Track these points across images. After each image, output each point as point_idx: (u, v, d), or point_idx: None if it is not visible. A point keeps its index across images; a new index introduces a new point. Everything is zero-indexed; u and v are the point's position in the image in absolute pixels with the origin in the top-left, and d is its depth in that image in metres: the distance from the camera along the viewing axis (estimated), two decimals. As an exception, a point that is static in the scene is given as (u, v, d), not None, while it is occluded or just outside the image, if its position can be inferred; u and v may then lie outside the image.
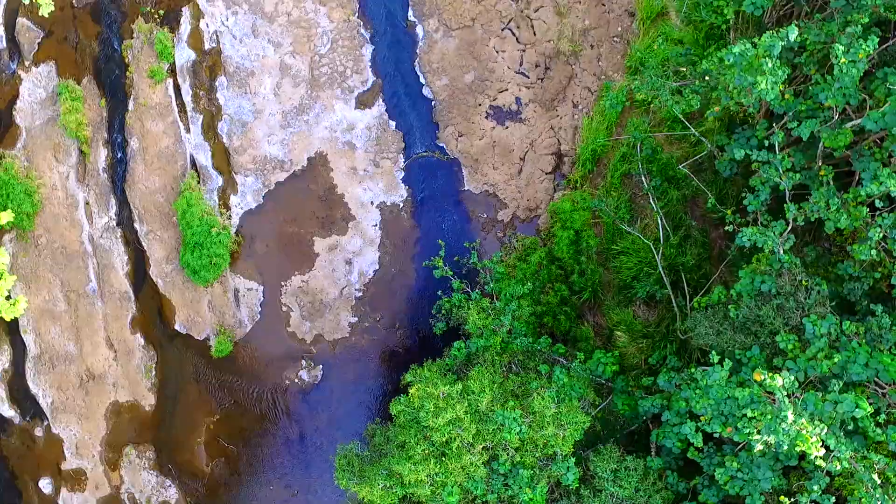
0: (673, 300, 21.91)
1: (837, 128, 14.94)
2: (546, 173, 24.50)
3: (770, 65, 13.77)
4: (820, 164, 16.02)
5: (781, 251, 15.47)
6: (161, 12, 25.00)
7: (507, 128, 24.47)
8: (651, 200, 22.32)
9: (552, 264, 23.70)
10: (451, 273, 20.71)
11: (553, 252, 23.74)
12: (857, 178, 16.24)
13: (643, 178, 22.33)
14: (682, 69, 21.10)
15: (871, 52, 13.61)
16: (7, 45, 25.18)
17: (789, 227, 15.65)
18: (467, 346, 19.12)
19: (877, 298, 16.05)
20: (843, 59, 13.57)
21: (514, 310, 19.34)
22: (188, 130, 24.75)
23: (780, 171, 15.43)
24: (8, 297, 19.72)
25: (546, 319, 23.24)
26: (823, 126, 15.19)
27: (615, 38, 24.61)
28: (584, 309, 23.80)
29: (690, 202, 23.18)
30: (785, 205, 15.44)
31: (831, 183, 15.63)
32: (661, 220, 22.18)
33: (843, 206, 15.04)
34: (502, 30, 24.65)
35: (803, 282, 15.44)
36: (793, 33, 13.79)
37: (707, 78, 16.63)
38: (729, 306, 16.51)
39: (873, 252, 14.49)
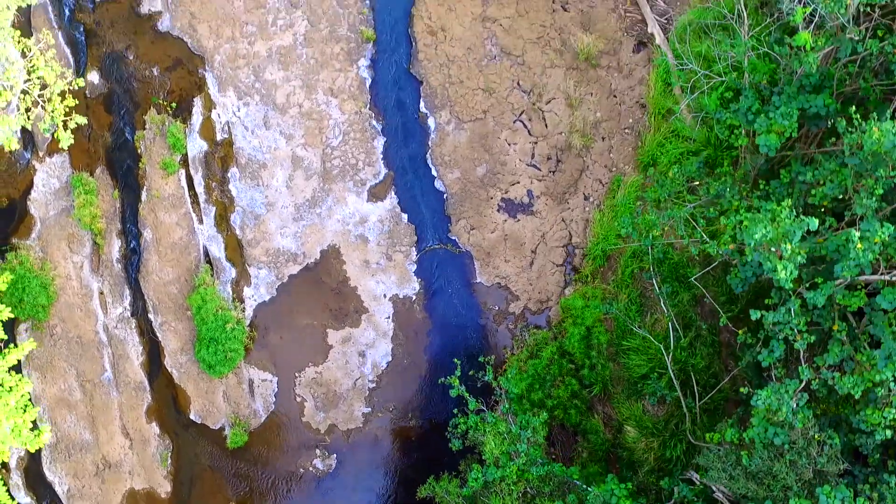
0: (682, 401, 22.23)
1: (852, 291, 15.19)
2: (557, 265, 24.70)
3: (789, 251, 13.97)
4: (835, 316, 16.26)
5: (795, 408, 15.77)
6: (173, 105, 25.00)
7: (518, 221, 24.62)
8: (662, 304, 22.54)
9: (563, 358, 23.99)
10: (468, 394, 20.99)
11: (564, 346, 24.01)
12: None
13: (654, 282, 22.52)
14: (695, 182, 21.31)
15: (886, 237, 13.81)
16: (21, 135, 25.18)
17: (802, 385, 15.94)
18: (484, 473, 19.47)
19: (890, 446, 16.38)
20: (859, 245, 13.77)
21: (530, 436, 19.67)
22: (201, 222, 24.88)
23: (795, 332, 15.68)
24: (33, 428, 19.90)
25: (557, 413, 23.59)
26: (838, 287, 15.42)
27: (626, 130, 24.70)
28: (594, 401, 24.14)
29: (700, 298, 23.42)
30: (799, 367, 15.71)
31: (845, 342, 15.88)
32: (672, 324, 22.42)
33: (857, 367, 15.31)
34: (514, 122, 24.72)
35: (815, 437, 15.75)
36: (814, 224, 13.97)
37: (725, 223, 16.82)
38: (742, 452, 16.83)
39: (888, 426, 14.80)
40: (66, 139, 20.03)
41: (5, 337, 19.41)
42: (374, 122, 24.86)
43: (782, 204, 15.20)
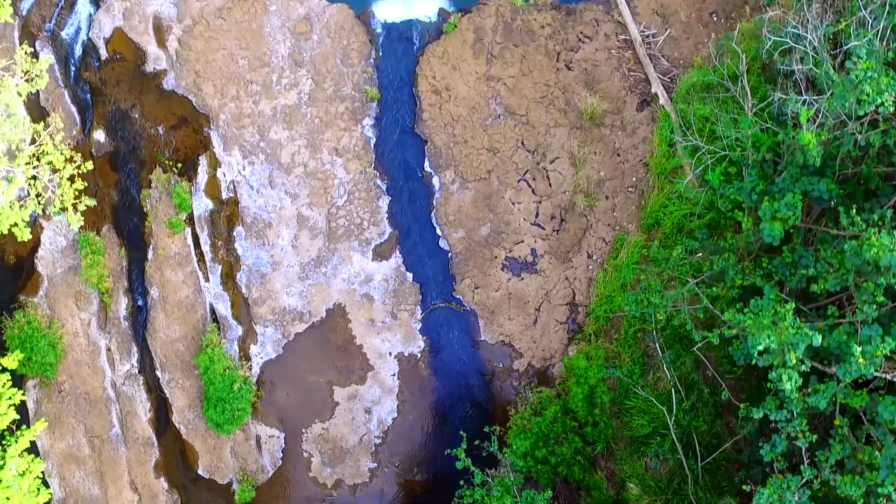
0: (684, 462, 22.55)
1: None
2: (561, 323, 24.94)
3: (793, 360, 14.21)
4: (836, 410, 16.53)
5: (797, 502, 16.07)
6: (179, 165, 25.11)
7: (522, 279, 24.83)
8: (665, 369, 22.80)
9: (566, 416, 24.29)
10: (474, 467, 21.30)
11: (568, 404, 24.30)
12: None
13: (657, 346, 22.76)
14: (698, 253, 21.49)
15: (888, 352, 14.05)
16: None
17: (804, 481, 16.23)
18: (491, 551, 19.82)
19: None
20: (860, 360, 14.02)
21: (535, 511, 19.99)
22: (207, 280, 25.07)
23: (798, 431, 15.95)
24: (40, 488, 20.24)
25: (560, 469, 23.93)
26: (840, 388, 15.68)
27: (630, 189, 24.86)
28: (597, 458, 24.45)
29: (703, 360, 23.66)
30: (801, 466, 16.00)
31: (847, 438, 16.16)
32: (675, 386, 22.68)
33: (858, 467, 15.60)
34: (518, 181, 24.87)
35: (818, 530, 16.08)
36: (817, 339, 14.20)
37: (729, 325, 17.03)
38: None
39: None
40: (76, 221, 20.20)
41: (18, 417, 19.66)
42: (378, 182, 24.99)
43: (786, 307, 15.41)
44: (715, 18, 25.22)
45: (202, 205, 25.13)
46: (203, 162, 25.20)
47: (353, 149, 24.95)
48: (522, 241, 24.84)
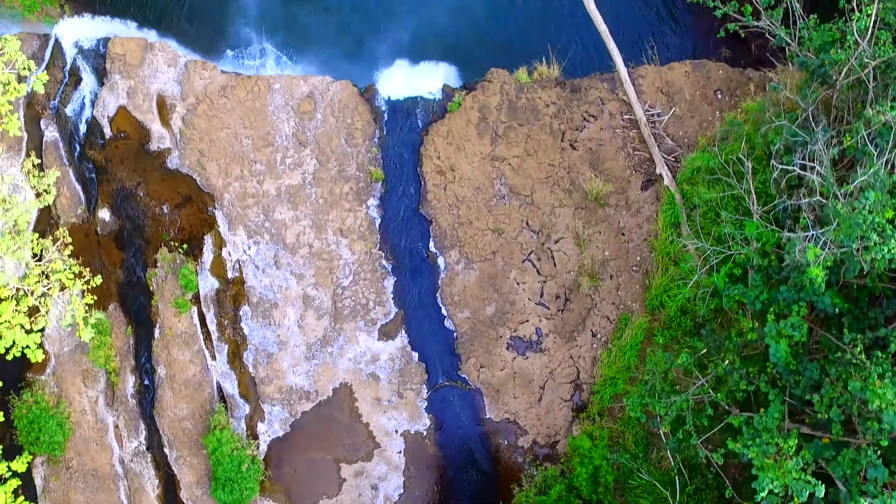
0: (688, 545, 22.88)
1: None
2: (565, 401, 25.14)
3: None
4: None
5: None
6: (185, 246, 25.16)
7: (527, 358, 25.00)
8: (669, 455, 23.03)
9: (571, 493, 24.57)
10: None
11: (572, 482, 24.57)
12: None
13: (661, 432, 22.95)
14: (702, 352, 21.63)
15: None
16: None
17: None
18: None
19: None
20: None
21: None
22: (214, 359, 25.22)
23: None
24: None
25: (565, 546, 24.30)
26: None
27: (634, 268, 24.95)
28: (601, 534, 24.76)
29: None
30: None
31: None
32: (679, 472, 22.92)
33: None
34: (523, 262, 24.96)
35: None
36: (820, 490, 14.41)
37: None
38: None
39: None
40: (87, 334, 20.29)
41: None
42: (384, 262, 25.08)
43: (789, 442, 15.57)
44: (719, 96, 25.19)
45: (208, 284, 25.22)
46: (208, 241, 25.25)
47: (358, 229, 25.01)
48: (527, 321, 24.97)
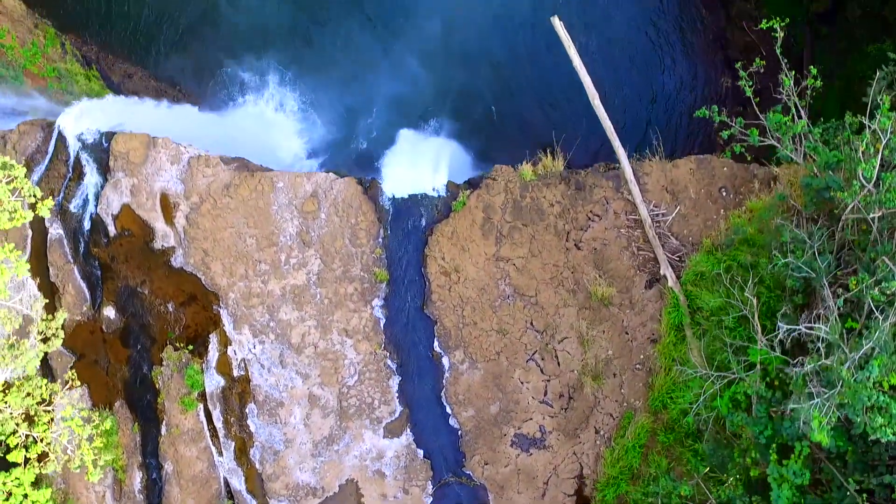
0: None
1: None
2: (569, 496, 25.40)
3: None
4: None
5: None
6: (190, 347, 25.27)
7: (531, 455, 25.21)
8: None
9: (574, 588, 24.96)
10: None
11: (575, 578, 24.96)
12: None
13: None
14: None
15: None
16: (41, 367, 25.52)
17: None
18: None
19: None
20: None
21: None
22: (221, 455, 25.45)
23: None
24: None
25: None
26: None
27: (638, 366, 25.08)
28: None
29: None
30: None
31: None
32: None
33: None
34: (527, 361, 25.08)
35: None
36: None
37: None
38: None
39: None
40: (96, 475, 20.47)
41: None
42: (389, 362, 25.20)
43: None
44: (724, 193, 25.13)
45: (214, 382, 25.37)
46: (213, 339, 25.35)
47: (363, 330, 25.09)
48: (531, 419, 25.14)
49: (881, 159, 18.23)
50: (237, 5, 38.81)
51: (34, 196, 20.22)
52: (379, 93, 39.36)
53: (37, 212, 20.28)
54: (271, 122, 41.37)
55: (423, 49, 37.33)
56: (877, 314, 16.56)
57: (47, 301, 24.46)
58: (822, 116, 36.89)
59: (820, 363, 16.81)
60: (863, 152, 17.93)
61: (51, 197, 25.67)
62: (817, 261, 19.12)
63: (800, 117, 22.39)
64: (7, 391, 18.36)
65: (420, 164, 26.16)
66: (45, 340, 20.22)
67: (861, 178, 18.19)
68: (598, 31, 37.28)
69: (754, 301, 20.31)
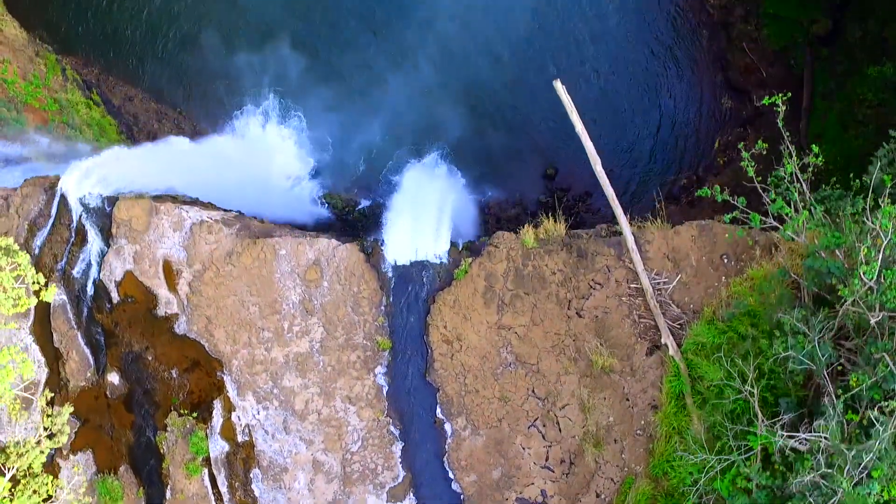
0: None
1: None
2: (570, 558, 25.71)
3: None
4: None
5: None
6: (194, 415, 25.47)
7: (532, 519, 25.50)
8: None
9: None
10: None
11: None
12: None
13: None
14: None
15: None
16: (45, 431, 25.71)
17: None
18: None
19: None
20: None
21: None
22: (226, 518, 25.73)
23: None
24: None
25: None
26: None
27: (638, 432, 25.29)
28: None
29: None
30: None
31: None
32: None
33: None
34: (529, 427, 25.28)
35: None
36: None
37: None
38: None
39: None
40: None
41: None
42: (392, 428, 25.40)
43: None
44: (725, 260, 25.21)
45: (218, 447, 25.57)
46: (217, 405, 25.53)
47: (366, 397, 25.27)
48: (533, 484, 25.38)
49: (882, 258, 18.31)
50: (238, 28, 38.92)
51: (37, 283, 20.29)
52: (379, 116, 39.49)
53: (41, 298, 20.35)
54: (271, 143, 41.43)
55: (423, 76, 37.76)
56: (877, 425, 16.74)
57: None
58: (822, 137, 37.20)
59: (821, 472, 17.00)
60: (864, 255, 17.99)
61: (54, 264, 25.77)
62: (818, 354, 19.25)
63: (801, 187, 22.41)
64: (14, 490, 18.53)
65: (422, 225, 26.17)
66: (50, 437, 20.36)
67: (862, 277, 18.27)
68: (599, 49, 38.24)
69: (755, 391, 20.45)
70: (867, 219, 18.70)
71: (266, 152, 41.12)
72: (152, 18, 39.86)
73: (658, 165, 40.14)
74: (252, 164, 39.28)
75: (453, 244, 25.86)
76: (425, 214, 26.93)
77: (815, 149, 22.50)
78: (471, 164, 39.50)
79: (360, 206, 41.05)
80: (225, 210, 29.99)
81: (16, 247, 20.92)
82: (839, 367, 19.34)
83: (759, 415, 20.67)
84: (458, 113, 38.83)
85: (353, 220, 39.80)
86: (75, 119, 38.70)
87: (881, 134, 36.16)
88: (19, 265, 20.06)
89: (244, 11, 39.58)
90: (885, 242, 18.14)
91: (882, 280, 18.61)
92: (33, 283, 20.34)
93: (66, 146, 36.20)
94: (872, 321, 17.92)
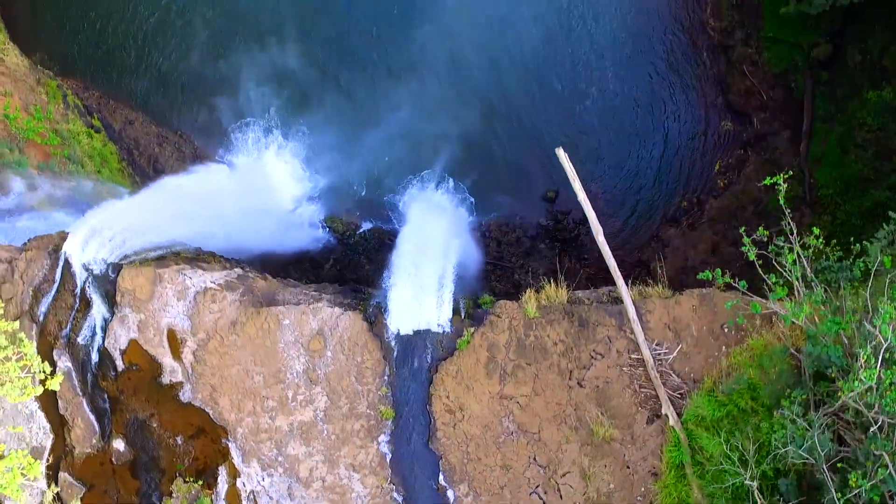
0: None
1: None
2: None
3: None
4: None
5: None
6: (200, 481, 25.74)
7: (534, 583, 25.88)
8: None
9: None
10: None
11: None
12: None
13: None
14: None
15: None
16: (53, 501, 26.02)
17: None
18: None
19: None
20: None
21: None
22: (231, 582, 26.08)
23: None
24: None
25: None
26: None
27: (638, 498, 25.61)
28: None
29: None
30: None
31: None
32: None
33: None
34: (530, 494, 25.59)
35: None
36: None
37: None
38: None
39: None
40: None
41: None
42: (395, 495, 25.70)
43: None
44: (726, 330, 25.40)
45: (223, 512, 25.90)
46: (222, 471, 25.81)
47: (370, 464, 25.54)
48: (534, 549, 25.75)
49: (881, 361, 18.52)
50: (238, 48, 39.03)
51: (43, 372, 20.51)
52: (380, 137, 39.65)
53: (47, 387, 20.58)
54: (272, 166, 41.53)
55: (422, 96, 38.22)
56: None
57: (56, 434, 24.81)
58: (822, 161, 37.28)
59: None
60: (864, 361, 18.20)
61: (59, 331, 25.92)
62: (818, 448, 19.50)
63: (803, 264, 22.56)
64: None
65: (425, 293, 26.27)
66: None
67: (862, 378, 18.49)
68: (602, 69, 39.01)
69: (756, 473, 20.74)
70: (867, 322, 18.89)
71: (265, 176, 41.21)
72: (149, 39, 40.00)
73: (664, 188, 40.41)
74: (252, 190, 39.38)
75: (456, 312, 26.00)
76: (427, 278, 26.97)
77: (816, 231, 22.60)
78: (471, 187, 39.80)
79: (361, 230, 41.26)
80: (228, 262, 30.20)
81: (22, 335, 21.09)
82: (838, 465, 19.58)
83: (759, 501, 20.98)
84: (458, 134, 39.12)
85: (355, 244, 40.05)
86: (76, 151, 38.69)
87: (880, 158, 36.42)
88: (25, 355, 20.22)
89: (244, 28, 39.68)
90: (885, 346, 18.34)
91: (881, 379, 18.85)
92: (39, 372, 20.52)
93: (69, 187, 36.24)
94: (871, 419, 18.15)
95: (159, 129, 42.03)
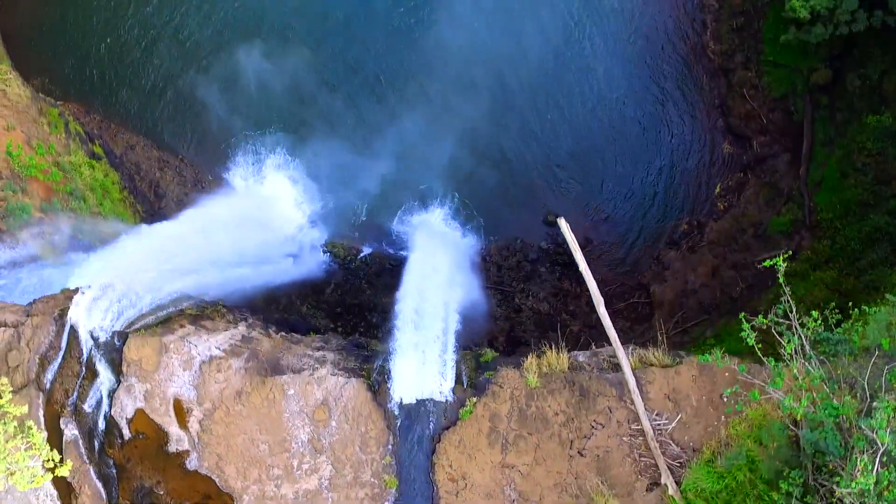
0: None
1: None
2: None
3: None
4: None
5: None
6: (206, 549, 26.17)
7: None
8: None
9: None
10: None
11: None
12: None
13: None
14: None
15: None
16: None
17: None
18: None
19: None
20: None
21: None
22: None
23: None
24: None
25: None
26: None
27: (638, 563, 26.08)
28: None
29: None
30: None
31: None
32: None
33: None
34: (531, 560, 26.04)
35: None
36: None
37: None
38: None
39: None
40: None
41: None
42: (396, 569, 26.16)
43: None
44: (725, 399, 25.74)
45: (229, 581, 26.32)
46: (226, 549, 26.23)
47: (374, 532, 25.97)
48: None
49: (878, 463, 18.85)
50: (242, 73, 39.13)
51: (52, 460, 20.80)
52: (380, 163, 39.84)
53: (56, 474, 20.86)
54: (274, 190, 41.67)
55: (426, 126, 38.34)
56: None
57: (64, 502, 25.14)
58: (821, 184, 37.54)
59: None
60: (861, 468, 18.53)
61: (65, 399, 26.16)
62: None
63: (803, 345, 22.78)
64: None
65: (428, 364, 26.60)
66: None
67: (859, 468, 18.82)
68: (606, 90, 39.64)
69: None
70: (864, 426, 19.18)
71: (265, 201, 41.31)
72: (149, 62, 40.13)
73: (665, 211, 40.68)
74: (251, 220, 39.50)
75: (458, 381, 26.32)
76: (431, 344, 27.31)
77: (815, 314, 22.79)
78: (472, 212, 40.04)
79: (362, 255, 41.52)
80: (232, 315, 30.45)
81: (31, 422, 21.34)
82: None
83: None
84: (458, 158, 39.37)
85: (356, 269, 40.30)
86: (79, 184, 38.71)
87: (880, 183, 36.61)
88: (34, 445, 20.51)
89: (245, 46, 39.80)
90: (882, 449, 18.65)
91: (879, 480, 19.19)
92: (48, 460, 20.81)
93: (71, 226, 36.25)
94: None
95: (161, 153, 42.09)
